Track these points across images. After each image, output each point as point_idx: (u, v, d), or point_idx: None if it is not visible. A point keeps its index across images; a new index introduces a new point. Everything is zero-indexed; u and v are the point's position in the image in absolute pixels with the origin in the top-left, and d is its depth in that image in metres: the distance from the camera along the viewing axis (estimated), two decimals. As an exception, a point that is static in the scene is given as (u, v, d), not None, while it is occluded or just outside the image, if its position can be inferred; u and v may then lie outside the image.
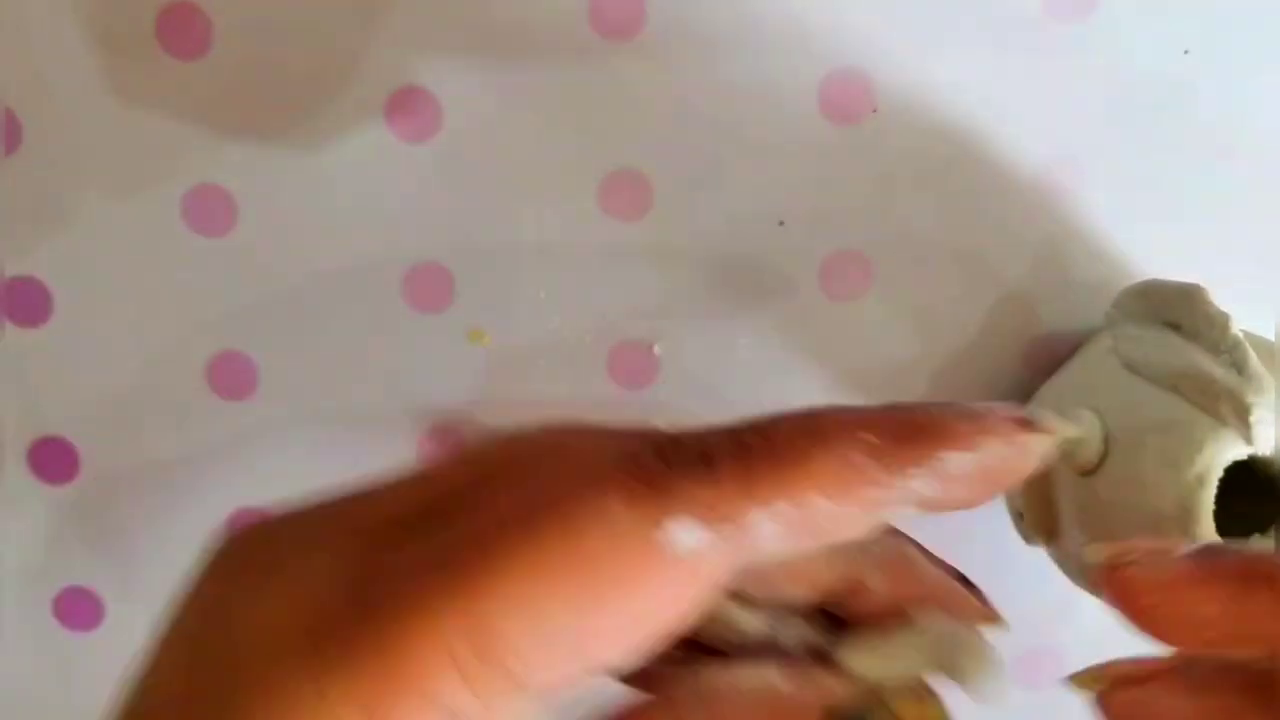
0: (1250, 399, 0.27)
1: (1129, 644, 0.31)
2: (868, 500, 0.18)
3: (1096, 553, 0.22)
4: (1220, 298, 0.31)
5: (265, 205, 0.35)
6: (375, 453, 0.36)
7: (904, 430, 0.18)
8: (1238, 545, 0.27)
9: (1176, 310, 0.30)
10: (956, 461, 0.18)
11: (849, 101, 0.34)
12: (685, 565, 0.17)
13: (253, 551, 0.21)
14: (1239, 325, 0.29)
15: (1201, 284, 0.30)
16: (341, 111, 0.34)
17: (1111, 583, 0.21)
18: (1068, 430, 0.19)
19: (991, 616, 0.24)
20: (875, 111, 0.34)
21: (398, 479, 0.19)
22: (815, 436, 0.18)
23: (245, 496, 0.37)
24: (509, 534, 0.17)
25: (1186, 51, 0.33)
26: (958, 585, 0.24)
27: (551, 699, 0.17)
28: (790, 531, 0.18)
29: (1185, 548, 0.21)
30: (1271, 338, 0.32)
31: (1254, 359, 0.28)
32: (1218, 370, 0.28)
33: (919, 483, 0.18)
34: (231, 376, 0.36)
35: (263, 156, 0.35)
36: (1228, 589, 0.20)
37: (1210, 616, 0.20)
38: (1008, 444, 0.19)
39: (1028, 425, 0.19)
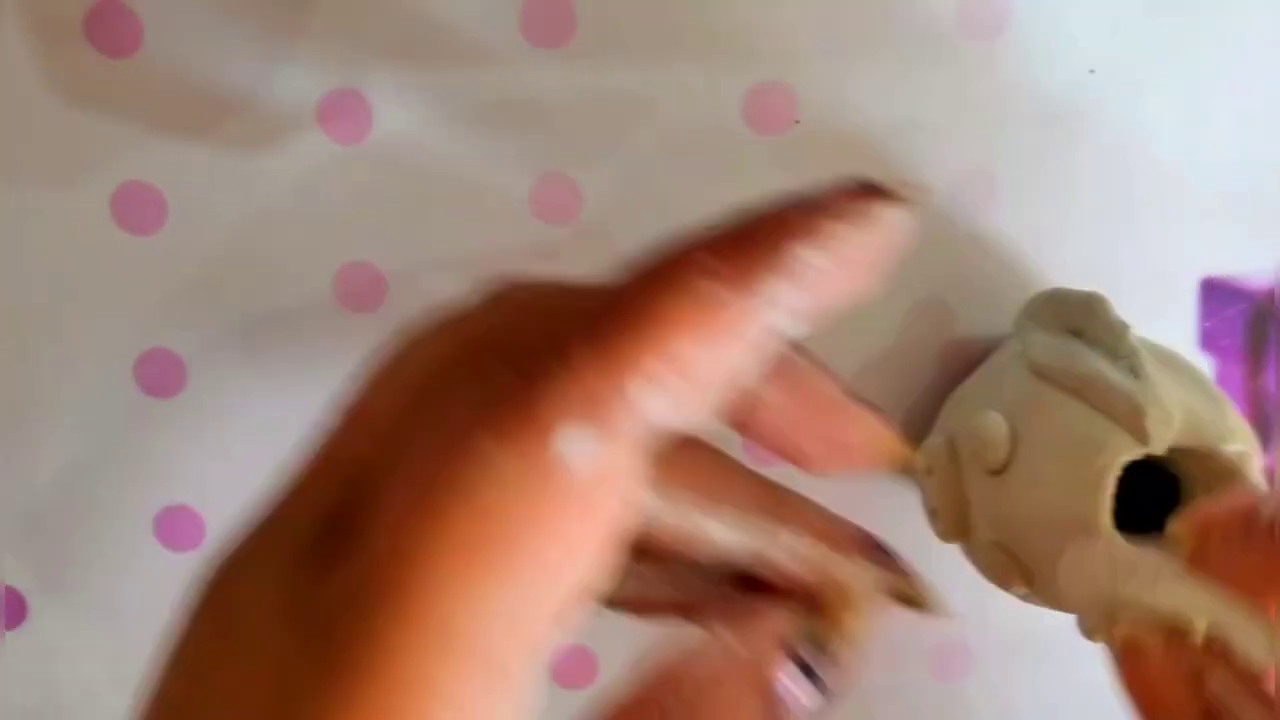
0: (1144, 403, 0.29)
1: (1038, 640, 0.33)
2: (736, 330, 0.16)
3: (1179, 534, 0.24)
4: (1121, 306, 0.33)
5: (195, 204, 0.35)
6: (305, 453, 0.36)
7: (743, 243, 0.17)
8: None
9: (1079, 318, 0.31)
10: (811, 258, 0.17)
11: (772, 112, 0.35)
12: (592, 478, 0.16)
13: (213, 602, 0.19)
14: (1136, 333, 0.31)
15: (1103, 293, 0.31)
16: (273, 112, 0.35)
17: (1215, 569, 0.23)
18: (915, 193, 0.17)
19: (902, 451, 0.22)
20: (797, 122, 0.35)
21: (306, 475, 0.18)
22: (658, 281, 0.17)
23: (172, 496, 0.37)
24: (419, 533, 0.15)
25: (1092, 71, 0.35)
26: (844, 397, 0.21)
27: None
28: (681, 395, 0.16)
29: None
30: (1167, 344, 0.33)
31: (1149, 365, 0.29)
32: (1115, 375, 0.29)
33: (784, 294, 0.16)
34: (159, 375, 0.36)
35: (193, 155, 0.35)
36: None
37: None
38: (857, 223, 0.17)
39: (870, 193, 0.17)
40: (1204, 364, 0.37)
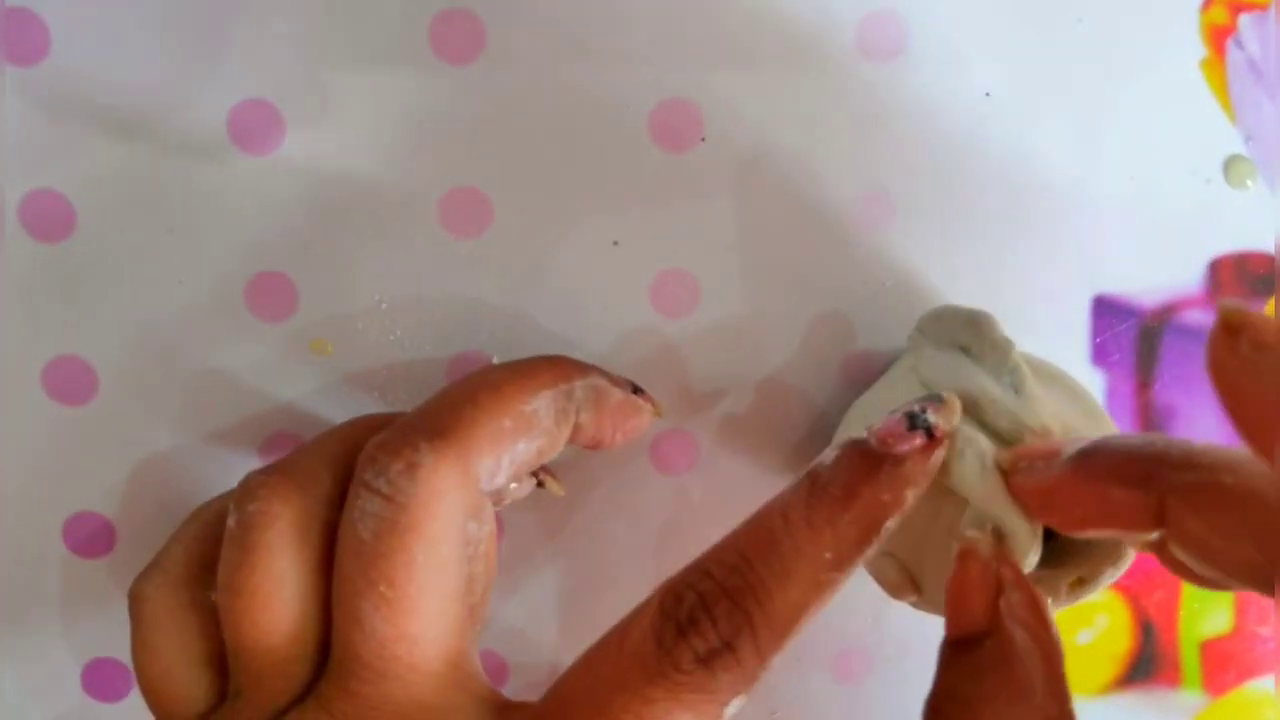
0: (1024, 419, 0.30)
1: (934, 644, 0.34)
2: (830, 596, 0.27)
3: (1002, 459, 0.29)
4: (1015, 322, 0.34)
5: (104, 212, 0.35)
6: (215, 460, 0.37)
7: (850, 531, 0.28)
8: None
9: (966, 335, 0.32)
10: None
11: (678, 130, 0.36)
12: None
13: (138, 623, 0.31)
14: (1022, 350, 0.32)
15: (990, 311, 0.32)
16: (183, 122, 0.35)
17: (1011, 488, 0.28)
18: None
19: (656, 408, 0.35)
20: (703, 140, 0.36)
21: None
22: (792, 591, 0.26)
23: (82, 503, 0.37)
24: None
25: (987, 94, 0.36)
26: (628, 396, 0.33)
27: None
28: None
29: (1068, 450, 0.27)
30: (1060, 361, 0.34)
31: (1031, 382, 0.31)
32: (998, 392, 0.30)
33: None
34: (70, 381, 0.36)
35: (103, 164, 0.35)
36: (1098, 489, 0.26)
37: (1087, 514, 0.26)
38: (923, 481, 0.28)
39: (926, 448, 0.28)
40: (1096, 379, 0.38)
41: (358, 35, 0.35)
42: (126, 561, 0.37)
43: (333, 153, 0.35)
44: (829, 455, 0.28)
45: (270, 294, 0.36)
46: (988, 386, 0.31)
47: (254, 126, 0.35)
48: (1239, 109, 0.37)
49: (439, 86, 0.35)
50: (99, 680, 0.38)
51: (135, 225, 0.35)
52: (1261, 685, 0.41)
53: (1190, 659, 0.41)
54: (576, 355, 0.37)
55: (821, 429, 0.38)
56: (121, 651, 0.38)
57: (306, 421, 0.37)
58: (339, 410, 0.37)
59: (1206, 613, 0.40)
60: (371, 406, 0.37)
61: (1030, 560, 0.28)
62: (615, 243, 0.36)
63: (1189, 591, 0.40)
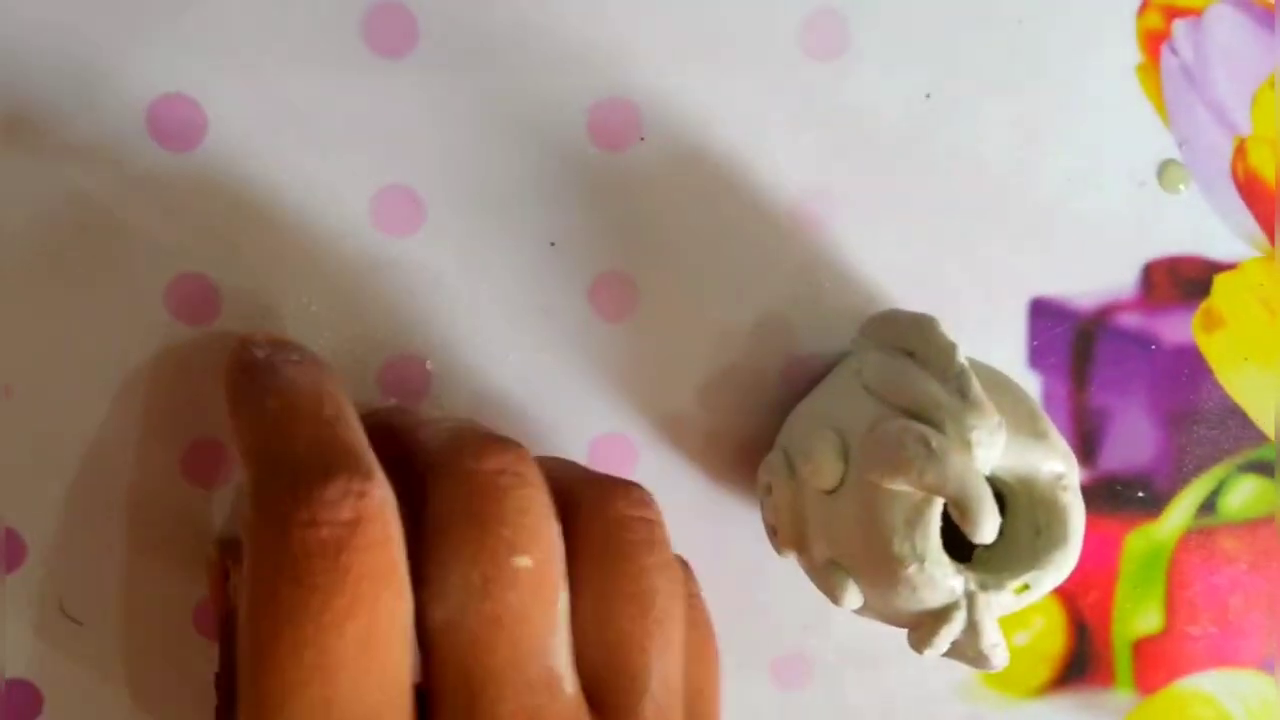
0: (970, 422, 0.30)
1: (876, 649, 0.33)
2: None
3: None
4: (956, 325, 0.33)
5: (14, 215, 0.33)
6: (134, 469, 0.35)
7: None
8: None
9: (911, 338, 0.32)
10: None
11: (617, 129, 0.35)
12: None
13: None
14: (965, 352, 0.32)
15: (934, 315, 0.32)
16: (99, 117, 0.33)
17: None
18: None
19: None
20: (642, 140, 0.35)
21: None
22: None
23: (-12, 514, 0.35)
24: None
25: (928, 95, 0.36)
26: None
27: None
28: None
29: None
30: (997, 363, 0.34)
31: (976, 386, 0.30)
32: (943, 395, 0.30)
33: None
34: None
35: (7, 159, 0.33)
36: None
37: None
38: None
39: None
40: (1032, 382, 0.38)
41: (287, 26, 0.33)
42: (36, 574, 0.35)
43: (258, 149, 0.34)
44: None
45: (191, 296, 0.35)
46: (934, 390, 0.30)
47: (174, 122, 0.33)
48: (1173, 114, 0.38)
49: (371, 81, 0.34)
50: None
51: (46, 222, 0.34)
52: (1191, 683, 0.42)
53: (1123, 659, 0.41)
54: (513, 359, 0.36)
55: (763, 433, 0.37)
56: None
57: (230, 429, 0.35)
58: (264, 417, 0.35)
59: (1138, 612, 0.41)
60: (298, 412, 0.35)
61: (988, 531, 0.28)
62: (552, 243, 0.36)
63: (1122, 592, 0.40)
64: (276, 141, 0.34)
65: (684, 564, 0.32)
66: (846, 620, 0.38)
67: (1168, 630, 0.41)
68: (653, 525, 0.30)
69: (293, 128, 0.34)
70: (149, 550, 0.36)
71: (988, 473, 0.30)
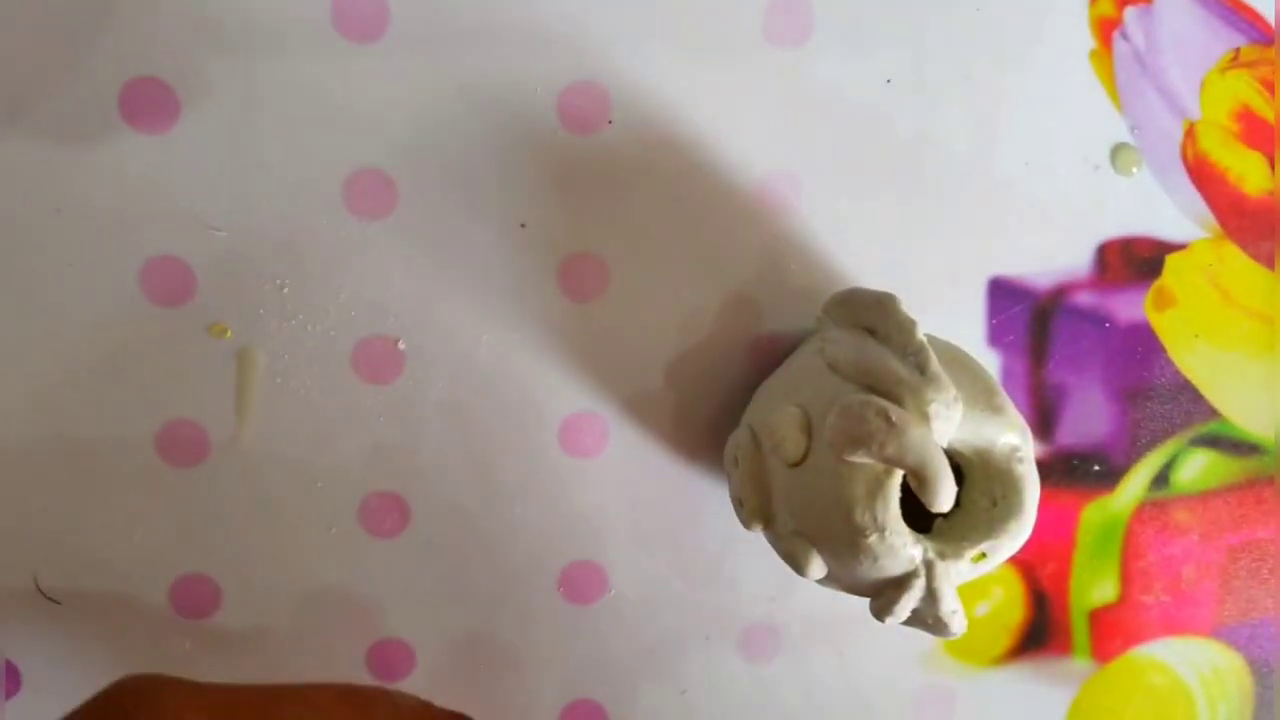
0: (929, 396, 0.31)
1: (839, 620, 0.34)
2: None
3: None
4: (917, 303, 0.34)
5: (-13, 193, 0.34)
6: (109, 448, 0.35)
7: None
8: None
9: (872, 316, 0.33)
10: None
11: (586, 112, 0.36)
12: None
13: None
14: (925, 330, 0.33)
15: (895, 292, 0.33)
16: (73, 101, 0.34)
17: None
18: None
19: None
20: (611, 123, 0.36)
21: None
22: None
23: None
24: None
25: (889, 81, 0.37)
26: None
27: None
28: None
29: None
30: (957, 340, 0.35)
31: (934, 361, 0.31)
32: (903, 371, 0.31)
33: None
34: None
35: (-16, 143, 0.33)
36: None
37: None
38: None
39: None
40: (991, 359, 0.39)
41: (257, 10, 0.34)
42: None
43: (231, 131, 0.34)
44: None
45: (166, 277, 0.35)
46: (894, 366, 0.31)
47: (146, 104, 0.34)
48: (1125, 99, 0.39)
49: (343, 65, 0.34)
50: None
51: (19, 204, 0.34)
52: (1146, 651, 0.43)
53: (1080, 628, 0.42)
54: (485, 339, 0.37)
55: (730, 410, 0.38)
56: None
57: (205, 408, 0.36)
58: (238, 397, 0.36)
59: (1095, 583, 0.42)
60: (274, 394, 0.36)
61: (945, 500, 0.30)
62: (523, 225, 0.36)
63: (1080, 562, 0.42)
64: (249, 124, 0.34)
65: None
66: (812, 592, 0.39)
67: (1123, 600, 0.42)
68: None
69: (266, 112, 0.34)
70: (123, 528, 0.36)
71: (945, 445, 0.31)
